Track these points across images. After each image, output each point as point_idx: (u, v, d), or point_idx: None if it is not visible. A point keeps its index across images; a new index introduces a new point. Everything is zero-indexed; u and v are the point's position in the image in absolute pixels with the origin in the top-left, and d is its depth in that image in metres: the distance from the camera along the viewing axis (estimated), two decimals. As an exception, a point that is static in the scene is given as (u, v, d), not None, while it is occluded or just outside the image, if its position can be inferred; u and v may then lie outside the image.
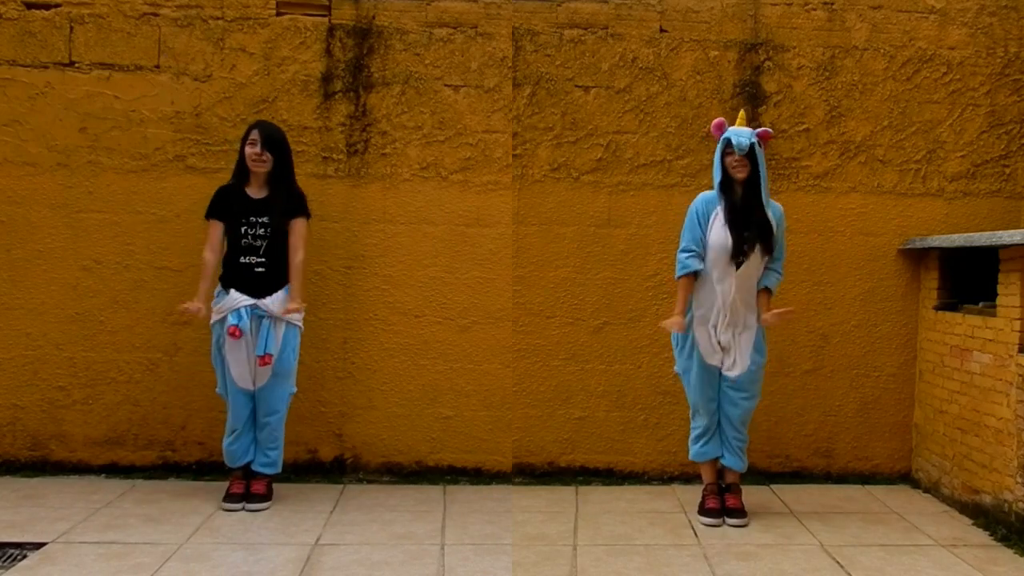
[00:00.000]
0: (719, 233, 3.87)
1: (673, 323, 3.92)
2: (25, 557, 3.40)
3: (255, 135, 4.04)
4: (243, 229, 4.04)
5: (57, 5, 4.51)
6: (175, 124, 4.54)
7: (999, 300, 3.95)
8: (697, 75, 4.65)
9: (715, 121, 3.92)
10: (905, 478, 4.74)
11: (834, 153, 4.69)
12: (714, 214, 3.91)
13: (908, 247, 4.64)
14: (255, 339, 4.00)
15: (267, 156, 4.03)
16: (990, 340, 3.99)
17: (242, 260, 4.03)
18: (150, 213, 4.55)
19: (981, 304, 4.18)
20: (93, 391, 4.56)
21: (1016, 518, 3.76)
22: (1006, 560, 3.58)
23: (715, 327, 3.94)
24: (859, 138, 4.69)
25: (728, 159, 3.84)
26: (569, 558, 3.53)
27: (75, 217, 4.53)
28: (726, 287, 3.89)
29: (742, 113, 4.00)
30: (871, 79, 4.68)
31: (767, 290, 4.00)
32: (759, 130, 3.90)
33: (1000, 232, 3.84)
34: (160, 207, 4.55)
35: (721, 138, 3.86)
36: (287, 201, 4.08)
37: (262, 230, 4.04)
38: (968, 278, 4.45)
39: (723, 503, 4.04)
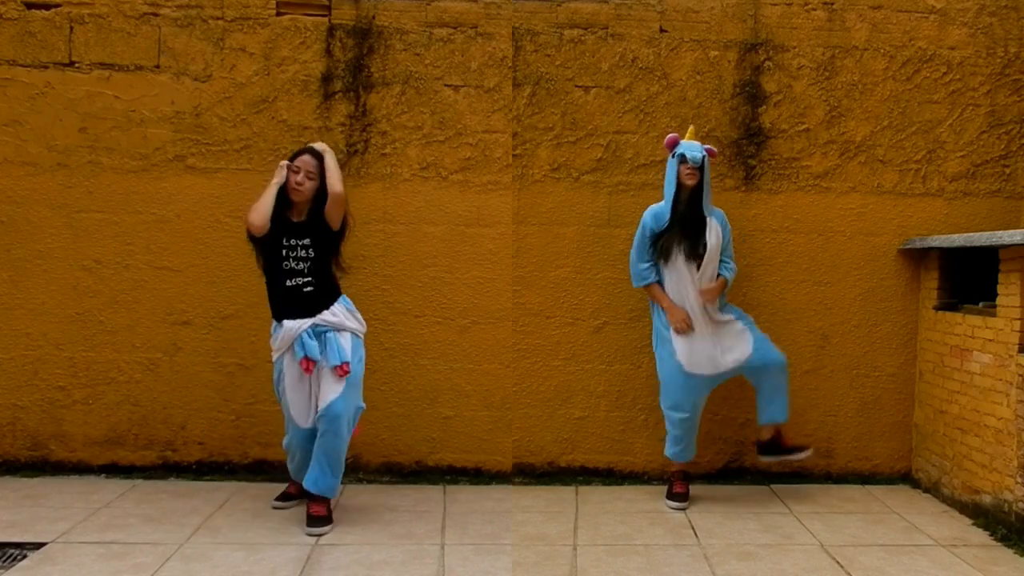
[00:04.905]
0: (671, 239, 4.16)
1: (681, 319, 4.16)
2: (25, 557, 3.40)
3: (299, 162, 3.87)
4: (283, 252, 3.86)
5: (57, 5, 4.51)
6: (175, 124, 4.54)
7: (999, 300, 3.95)
8: (697, 75, 4.65)
9: (668, 137, 4.18)
10: (905, 478, 4.74)
11: (834, 153, 4.69)
12: (664, 225, 4.18)
13: (908, 247, 4.64)
14: (324, 358, 3.81)
15: (308, 185, 3.86)
16: (990, 340, 3.99)
17: (288, 283, 3.84)
18: (150, 213, 4.55)
19: (981, 304, 4.19)
20: (93, 391, 4.57)
21: (1016, 518, 3.76)
22: (1006, 560, 3.59)
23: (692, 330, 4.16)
24: (859, 138, 4.69)
25: (682, 168, 4.12)
26: (569, 558, 3.53)
27: (75, 217, 4.53)
28: (687, 288, 4.15)
29: (692, 129, 4.29)
30: (871, 79, 4.69)
31: (723, 279, 4.22)
32: (706, 147, 4.19)
33: (1000, 232, 3.84)
34: (160, 207, 4.55)
35: (676, 153, 4.13)
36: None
37: (303, 252, 3.87)
38: (968, 278, 4.45)
39: (688, 489, 4.28)
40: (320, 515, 3.80)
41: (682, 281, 4.16)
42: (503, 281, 4.65)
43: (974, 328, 4.14)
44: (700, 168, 4.10)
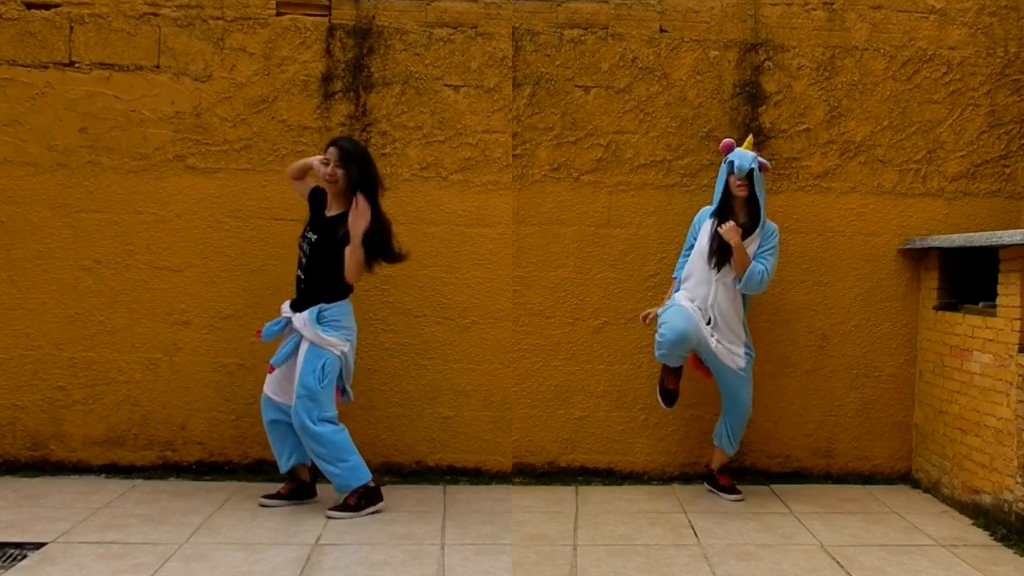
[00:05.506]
0: (702, 240, 4.19)
1: (648, 313, 4.30)
2: (25, 557, 3.40)
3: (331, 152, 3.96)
4: (300, 239, 4.03)
5: (57, 5, 4.51)
6: (175, 124, 4.54)
7: (999, 300, 3.95)
8: (697, 75, 4.65)
9: (724, 142, 4.18)
10: (905, 478, 4.74)
11: (834, 153, 4.69)
12: (706, 224, 4.23)
13: (908, 247, 4.64)
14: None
15: (339, 173, 3.95)
16: (990, 340, 3.99)
17: (297, 270, 4.03)
18: (150, 213, 4.55)
19: (981, 304, 4.18)
20: (93, 391, 4.57)
21: (1016, 518, 3.76)
22: (1006, 560, 3.59)
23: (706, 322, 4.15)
24: (859, 138, 4.69)
25: (731, 179, 4.13)
26: (569, 558, 3.53)
27: (75, 217, 4.53)
28: (708, 288, 4.15)
29: (750, 138, 4.30)
30: (871, 79, 4.68)
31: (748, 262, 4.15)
32: (759, 160, 4.14)
33: (1000, 232, 3.84)
34: (160, 207, 4.55)
35: (726, 159, 4.13)
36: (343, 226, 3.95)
37: (307, 246, 3.97)
38: (968, 278, 4.45)
39: (678, 387, 4.31)
40: (348, 503, 3.99)
41: (707, 275, 4.14)
42: (503, 281, 4.65)
43: (974, 328, 4.14)
44: (749, 178, 4.08)
